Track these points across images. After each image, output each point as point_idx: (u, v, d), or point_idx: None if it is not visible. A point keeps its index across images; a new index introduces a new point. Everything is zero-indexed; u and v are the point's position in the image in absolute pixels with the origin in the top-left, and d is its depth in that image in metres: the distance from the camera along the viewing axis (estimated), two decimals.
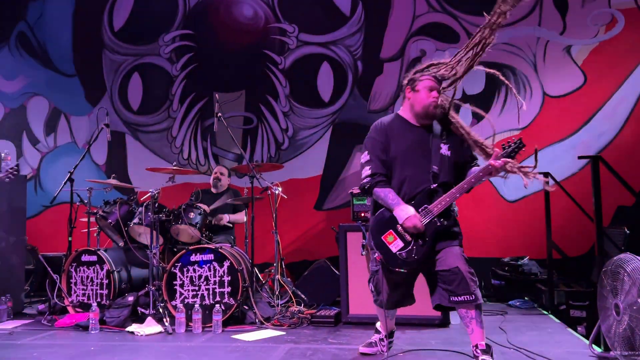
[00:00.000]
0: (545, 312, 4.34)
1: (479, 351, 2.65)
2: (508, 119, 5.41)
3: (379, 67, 5.84)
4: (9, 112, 6.50)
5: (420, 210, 2.72)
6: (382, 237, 2.75)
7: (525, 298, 4.78)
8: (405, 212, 2.69)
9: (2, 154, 4.87)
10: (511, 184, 5.38)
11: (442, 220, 2.71)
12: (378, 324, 3.16)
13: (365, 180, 2.82)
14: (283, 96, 6.03)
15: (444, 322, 3.80)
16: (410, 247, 2.71)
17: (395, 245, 2.72)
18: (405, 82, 2.91)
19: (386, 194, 2.76)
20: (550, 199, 4.49)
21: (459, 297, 2.62)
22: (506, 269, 4.97)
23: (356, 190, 4.13)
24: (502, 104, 5.50)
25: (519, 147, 2.71)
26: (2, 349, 3.43)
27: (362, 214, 4.08)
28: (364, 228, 3.94)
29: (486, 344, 2.67)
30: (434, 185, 2.74)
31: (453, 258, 2.68)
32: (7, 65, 6.51)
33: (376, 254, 2.80)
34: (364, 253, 3.86)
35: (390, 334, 3.13)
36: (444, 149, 2.81)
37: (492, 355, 2.65)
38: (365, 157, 2.86)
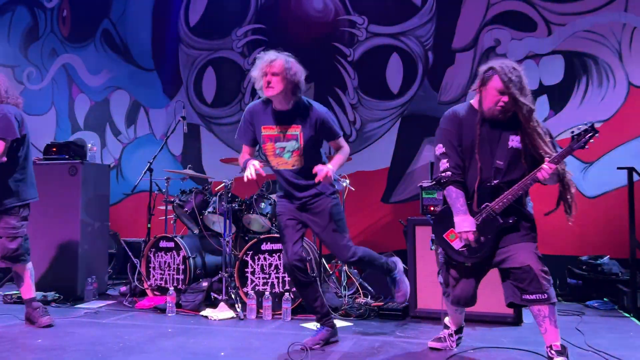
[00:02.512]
0: (627, 315, 4.11)
1: (553, 352, 2.56)
2: (589, 110, 5.14)
3: (450, 57, 5.70)
4: (94, 105, 6.91)
5: (481, 207, 2.68)
6: (444, 235, 2.78)
7: (605, 299, 4.55)
8: (462, 225, 2.67)
9: (89, 145, 5.22)
10: (591, 179, 5.12)
11: (506, 218, 2.65)
12: (447, 319, 3.12)
13: (443, 175, 2.74)
14: (351, 88, 6.03)
15: (517, 321, 3.70)
16: (472, 246, 2.70)
17: (457, 243, 2.74)
18: (480, 72, 2.74)
19: (457, 198, 2.71)
20: (634, 195, 4.23)
21: (530, 296, 2.56)
22: (584, 268, 4.75)
23: (426, 184, 4.08)
24: (583, 94, 5.23)
25: (590, 133, 2.53)
26: (89, 327, 3.69)
27: (432, 208, 4.02)
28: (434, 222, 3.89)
29: (561, 344, 2.57)
30: (496, 181, 2.66)
31: (524, 255, 2.60)
32: (93, 61, 6.93)
33: (440, 249, 2.86)
34: (433, 248, 3.81)
35: (459, 330, 3.08)
36: (515, 141, 2.67)
37: (567, 357, 2.56)
38: (440, 148, 2.77)
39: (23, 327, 3.67)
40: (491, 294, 3.68)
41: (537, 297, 2.54)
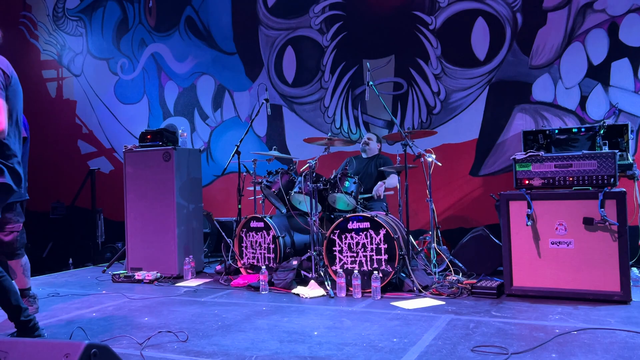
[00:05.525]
0: None
1: None
2: None
3: (541, 17, 5.31)
4: (182, 91, 7.20)
5: None
6: None
7: None
8: None
9: (180, 130, 5.45)
10: None
11: None
12: None
13: None
14: (434, 58, 5.81)
15: (624, 299, 3.43)
16: None
17: None
18: None
19: None
20: None
21: None
22: None
23: (519, 157, 3.86)
24: None
25: None
26: (189, 305, 3.90)
27: (526, 182, 3.81)
28: (529, 197, 3.69)
29: None
30: None
31: None
32: (178, 48, 7.19)
33: None
34: (529, 224, 3.62)
35: None
36: None
37: None
38: None
39: (131, 305, 3.95)
40: (594, 269, 3.46)
41: None
